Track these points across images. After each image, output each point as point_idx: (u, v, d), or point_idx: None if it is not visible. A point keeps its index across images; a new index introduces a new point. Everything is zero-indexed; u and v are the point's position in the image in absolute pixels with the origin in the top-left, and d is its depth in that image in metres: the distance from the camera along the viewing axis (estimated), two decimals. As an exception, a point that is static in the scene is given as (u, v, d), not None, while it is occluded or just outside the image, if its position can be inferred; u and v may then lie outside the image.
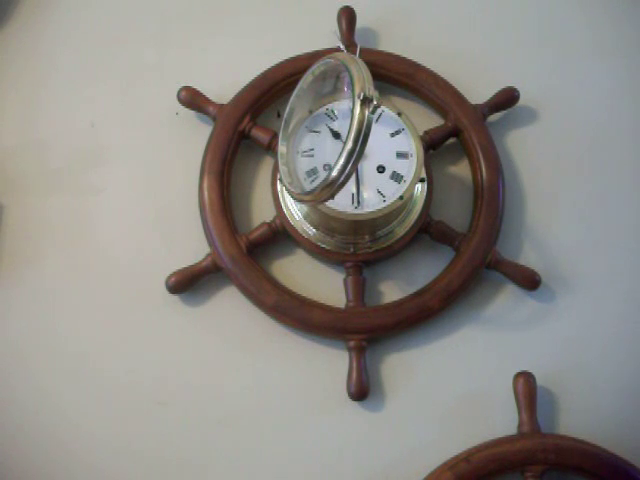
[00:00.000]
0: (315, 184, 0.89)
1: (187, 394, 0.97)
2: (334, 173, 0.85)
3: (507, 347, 1.01)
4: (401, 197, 0.95)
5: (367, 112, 0.84)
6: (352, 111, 0.85)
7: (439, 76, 1.07)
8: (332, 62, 0.92)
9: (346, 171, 0.85)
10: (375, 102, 0.84)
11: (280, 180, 0.97)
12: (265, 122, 1.06)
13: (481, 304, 1.02)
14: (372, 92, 0.85)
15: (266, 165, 1.05)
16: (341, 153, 0.85)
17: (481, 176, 1.03)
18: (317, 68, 0.94)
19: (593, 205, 1.07)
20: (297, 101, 0.96)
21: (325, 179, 0.86)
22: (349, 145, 0.84)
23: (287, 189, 0.92)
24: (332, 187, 0.86)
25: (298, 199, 0.92)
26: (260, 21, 1.12)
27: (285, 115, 0.96)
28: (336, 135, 0.96)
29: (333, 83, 0.97)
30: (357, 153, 0.85)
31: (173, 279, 0.98)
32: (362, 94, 0.84)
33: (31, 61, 1.08)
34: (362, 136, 0.84)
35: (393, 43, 1.10)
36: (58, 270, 1.00)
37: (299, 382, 0.98)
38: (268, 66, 1.05)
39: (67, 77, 1.08)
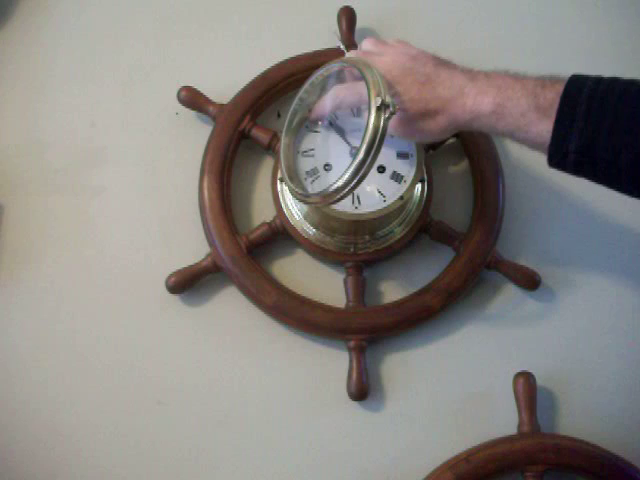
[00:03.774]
0: (320, 188, 0.87)
1: (187, 394, 0.97)
2: (341, 182, 0.83)
3: (507, 347, 1.01)
4: (401, 197, 0.95)
5: (383, 119, 0.82)
6: (367, 118, 0.82)
7: (439, 76, 1.07)
8: (340, 65, 0.90)
9: (357, 178, 0.83)
10: (391, 108, 0.82)
11: (281, 180, 0.97)
12: (265, 122, 1.05)
13: (481, 304, 1.02)
14: (388, 98, 0.82)
15: (266, 165, 1.05)
16: (355, 157, 0.83)
17: (481, 176, 1.03)
18: (326, 70, 0.92)
19: (593, 205, 1.07)
20: (306, 96, 0.94)
21: (331, 185, 0.85)
22: (361, 155, 0.82)
23: (290, 189, 0.91)
24: (338, 193, 0.85)
25: (300, 200, 0.91)
26: (260, 21, 1.12)
27: (290, 112, 0.94)
28: (339, 131, 0.95)
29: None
30: (370, 160, 0.82)
31: (173, 279, 0.98)
32: (379, 100, 0.82)
33: (31, 61, 1.08)
34: (377, 142, 0.82)
35: (393, 43, 1.10)
36: (58, 270, 1.00)
37: (299, 382, 0.98)
38: (268, 66, 1.05)
39: (67, 77, 1.08)
